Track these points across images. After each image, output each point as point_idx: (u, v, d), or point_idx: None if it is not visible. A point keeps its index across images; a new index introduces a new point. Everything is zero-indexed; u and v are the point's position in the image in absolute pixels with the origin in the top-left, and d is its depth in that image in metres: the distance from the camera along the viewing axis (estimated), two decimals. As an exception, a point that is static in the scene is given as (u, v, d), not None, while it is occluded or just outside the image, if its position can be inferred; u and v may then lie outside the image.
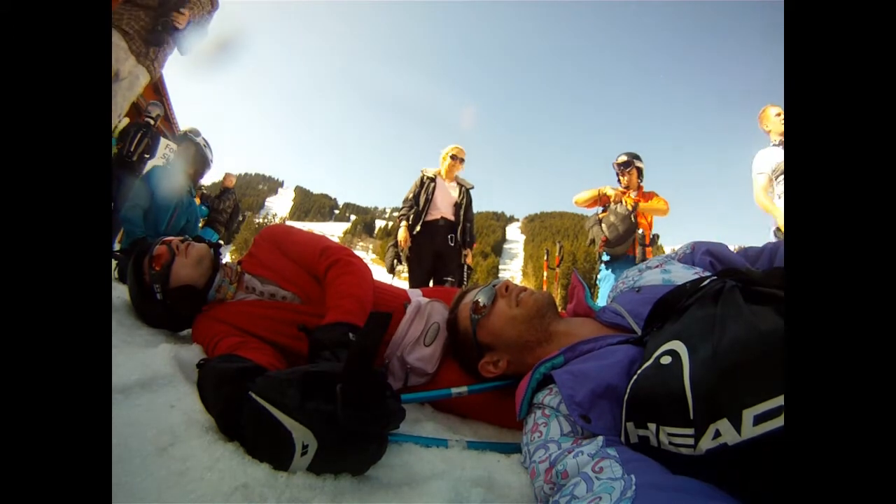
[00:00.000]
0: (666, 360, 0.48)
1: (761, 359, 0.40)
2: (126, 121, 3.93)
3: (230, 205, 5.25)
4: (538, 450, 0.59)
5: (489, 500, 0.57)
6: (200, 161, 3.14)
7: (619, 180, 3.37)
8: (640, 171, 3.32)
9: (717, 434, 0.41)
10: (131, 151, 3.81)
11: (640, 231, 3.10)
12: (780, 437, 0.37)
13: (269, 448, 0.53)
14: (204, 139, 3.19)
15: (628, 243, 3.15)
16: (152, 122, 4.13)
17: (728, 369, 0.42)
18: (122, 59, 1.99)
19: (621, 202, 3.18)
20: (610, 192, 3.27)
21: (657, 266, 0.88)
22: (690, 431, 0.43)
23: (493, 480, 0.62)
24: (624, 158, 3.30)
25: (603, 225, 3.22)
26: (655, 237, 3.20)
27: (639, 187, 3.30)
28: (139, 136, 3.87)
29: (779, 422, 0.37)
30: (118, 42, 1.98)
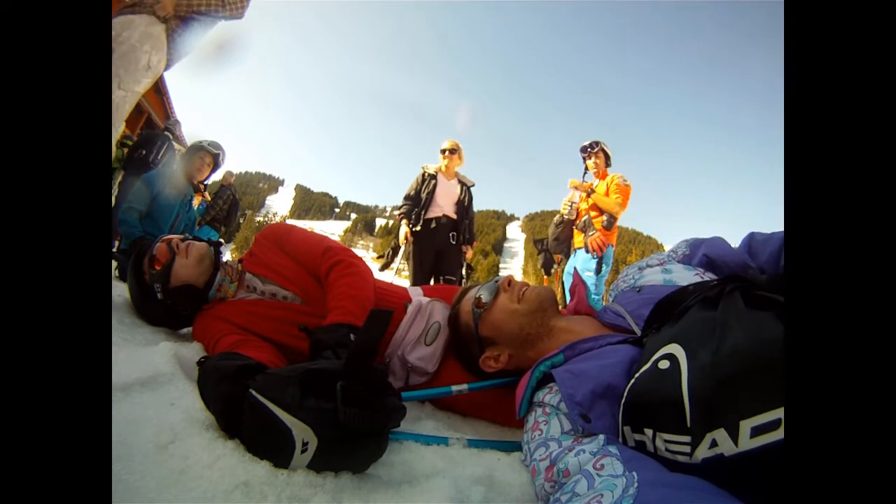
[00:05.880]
0: (664, 364, 0.48)
1: (761, 369, 0.40)
2: (122, 128, 4.05)
3: (223, 201, 5.26)
4: (538, 448, 0.59)
5: (490, 499, 0.57)
6: (211, 163, 3.23)
7: (585, 166, 3.46)
8: (606, 154, 3.41)
9: (714, 444, 0.40)
10: (158, 159, 3.96)
11: (591, 233, 3.24)
12: (779, 451, 0.36)
13: (270, 446, 0.53)
14: (216, 143, 3.26)
15: (566, 245, 3.49)
16: (172, 136, 4.32)
17: (726, 378, 0.41)
18: (159, 48, 1.94)
19: (570, 205, 3.40)
20: (563, 206, 3.46)
21: (658, 265, 0.88)
22: (687, 439, 0.43)
23: (494, 479, 0.62)
24: (589, 141, 3.42)
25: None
26: (611, 220, 3.26)
27: (604, 172, 3.40)
28: (165, 146, 4.05)
29: (777, 435, 0.37)
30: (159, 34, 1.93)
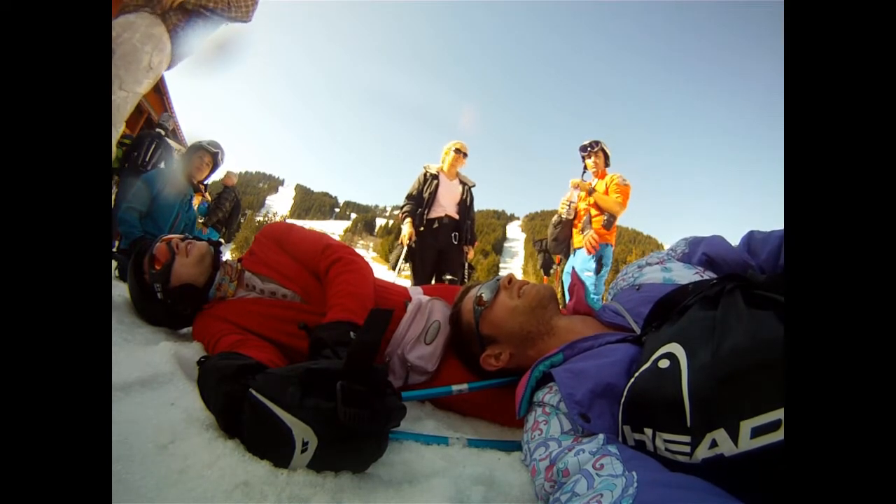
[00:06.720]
0: (664, 363, 0.48)
1: (761, 369, 0.39)
2: (122, 130, 4.04)
3: (229, 203, 5.29)
4: (538, 448, 0.59)
5: (490, 498, 0.57)
6: (210, 162, 3.24)
7: (585, 166, 3.47)
8: (605, 154, 3.42)
9: (714, 444, 0.40)
10: (146, 161, 3.92)
11: (586, 232, 3.25)
12: (779, 452, 0.36)
13: (270, 445, 0.53)
14: (215, 143, 3.27)
15: (564, 245, 3.51)
16: (164, 132, 4.25)
17: (727, 378, 0.41)
18: (161, 48, 1.93)
19: (568, 205, 3.42)
20: (561, 207, 3.47)
21: (658, 263, 0.88)
22: (687, 439, 0.43)
23: (494, 478, 0.62)
24: (589, 141, 3.43)
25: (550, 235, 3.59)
26: (611, 220, 3.26)
27: (603, 172, 3.41)
28: (153, 146, 3.99)
29: (778, 436, 0.36)
30: (161, 34, 1.92)
